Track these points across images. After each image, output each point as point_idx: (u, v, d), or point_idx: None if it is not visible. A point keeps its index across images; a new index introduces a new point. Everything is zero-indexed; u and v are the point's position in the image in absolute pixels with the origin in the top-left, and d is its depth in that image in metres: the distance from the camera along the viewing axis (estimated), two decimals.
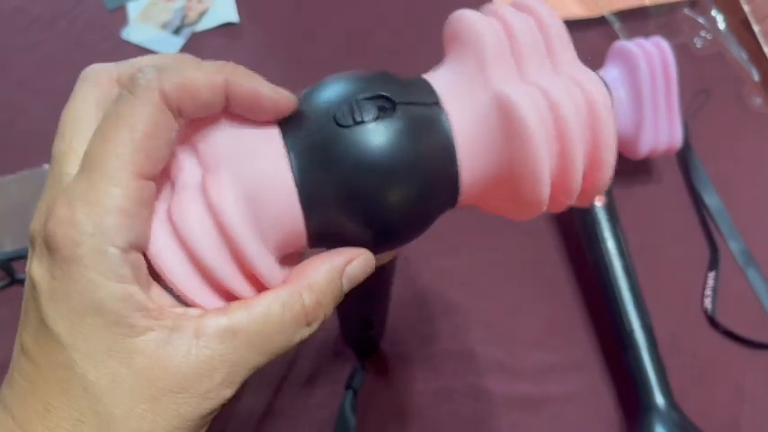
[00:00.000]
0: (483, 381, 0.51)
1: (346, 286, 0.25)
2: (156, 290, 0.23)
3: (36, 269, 0.22)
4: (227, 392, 0.23)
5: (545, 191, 0.25)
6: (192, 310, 0.23)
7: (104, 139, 0.22)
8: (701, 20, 0.67)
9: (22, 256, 0.52)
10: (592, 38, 0.67)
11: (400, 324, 0.52)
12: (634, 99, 0.54)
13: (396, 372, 0.51)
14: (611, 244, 0.51)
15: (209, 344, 0.22)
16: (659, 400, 0.46)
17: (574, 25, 0.67)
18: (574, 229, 0.54)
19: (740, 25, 0.68)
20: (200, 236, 0.23)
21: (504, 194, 0.27)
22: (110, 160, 0.22)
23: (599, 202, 0.52)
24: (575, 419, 0.50)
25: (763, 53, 0.64)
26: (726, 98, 0.64)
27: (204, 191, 0.23)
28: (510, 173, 0.25)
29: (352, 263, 0.25)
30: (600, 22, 0.67)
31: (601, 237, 0.51)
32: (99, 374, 0.21)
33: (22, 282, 0.52)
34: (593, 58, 0.60)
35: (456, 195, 0.27)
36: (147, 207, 0.22)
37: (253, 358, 0.23)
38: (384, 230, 0.25)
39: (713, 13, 0.68)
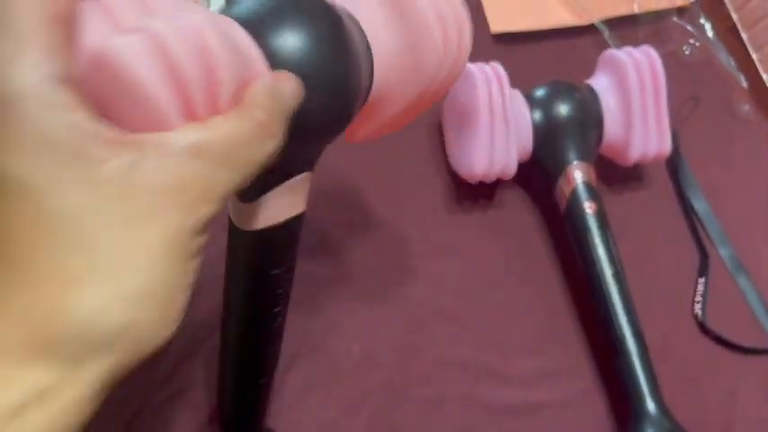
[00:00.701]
0: (475, 388, 0.51)
1: (285, 102, 0.25)
2: (104, 121, 0.22)
3: None
4: (207, 209, 0.23)
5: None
6: (148, 135, 0.22)
7: None
8: (689, 27, 0.68)
9: None
10: (581, 46, 0.68)
11: (391, 332, 0.53)
12: (623, 107, 0.54)
13: (386, 379, 0.51)
14: (601, 251, 0.51)
15: (177, 162, 0.22)
16: (650, 406, 0.47)
17: (564, 33, 0.68)
18: (565, 235, 0.54)
19: (728, 33, 0.69)
20: (182, 50, 0.22)
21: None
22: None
23: (590, 210, 0.52)
24: (567, 426, 0.50)
25: (751, 60, 0.65)
26: (714, 105, 0.65)
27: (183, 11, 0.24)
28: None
29: (283, 82, 0.25)
30: (590, 29, 0.68)
31: (591, 243, 0.51)
32: (72, 210, 0.21)
33: None
34: (582, 65, 0.60)
35: None
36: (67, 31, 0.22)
37: (224, 174, 0.23)
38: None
39: (702, 20, 0.69)
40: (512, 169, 0.54)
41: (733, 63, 0.67)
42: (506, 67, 0.54)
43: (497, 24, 0.67)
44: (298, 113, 0.26)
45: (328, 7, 0.28)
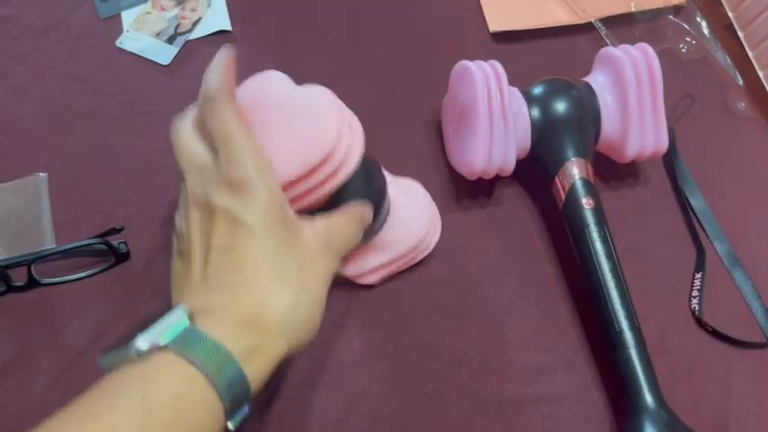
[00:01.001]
0: (474, 383, 0.51)
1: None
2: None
3: (223, 200, 0.37)
4: (336, 262, 0.42)
5: None
6: (306, 219, 0.41)
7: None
8: (686, 26, 0.68)
9: (18, 263, 0.52)
10: (579, 44, 0.68)
11: (391, 327, 0.53)
12: (620, 104, 0.55)
13: (385, 375, 0.52)
14: (599, 246, 0.52)
15: (321, 234, 0.41)
16: (648, 399, 0.47)
17: (561, 31, 0.68)
18: (563, 231, 0.55)
19: (724, 31, 0.69)
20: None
21: None
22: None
23: (588, 206, 0.53)
24: (565, 420, 0.51)
25: (747, 58, 0.66)
26: (711, 102, 0.66)
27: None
28: None
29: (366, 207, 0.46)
30: (587, 28, 0.68)
31: (589, 239, 0.52)
32: (284, 252, 0.38)
33: (17, 289, 0.53)
34: (580, 63, 0.61)
35: None
36: None
37: (343, 243, 0.43)
38: None
39: (698, 18, 0.69)
40: (510, 166, 0.54)
41: (729, 61, 0.68)
42: (505, 66, 0.54)
43: (496, 23, 0.68)
44: None
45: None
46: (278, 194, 0.39)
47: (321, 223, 0.41)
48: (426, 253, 0.55)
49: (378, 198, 0.49)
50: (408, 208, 0.54)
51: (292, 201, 0.43)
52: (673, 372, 0.52)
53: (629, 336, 0.49)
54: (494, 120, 0.52)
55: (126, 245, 0.55)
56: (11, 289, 0.53)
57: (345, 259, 0.50)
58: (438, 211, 0.57)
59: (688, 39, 0.68)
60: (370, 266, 0.53)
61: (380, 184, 0.50)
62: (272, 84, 0.46)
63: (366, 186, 0.47)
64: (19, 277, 0.53)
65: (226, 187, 0.37)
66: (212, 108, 0.39)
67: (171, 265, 0.41)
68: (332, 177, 0.44)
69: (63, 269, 0.54)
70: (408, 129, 0.63)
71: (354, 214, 0.44)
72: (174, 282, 0.40)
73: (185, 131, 0.41)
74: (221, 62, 0.41)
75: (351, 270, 0.53)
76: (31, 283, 0.53)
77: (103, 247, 0.53)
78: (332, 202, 0.45)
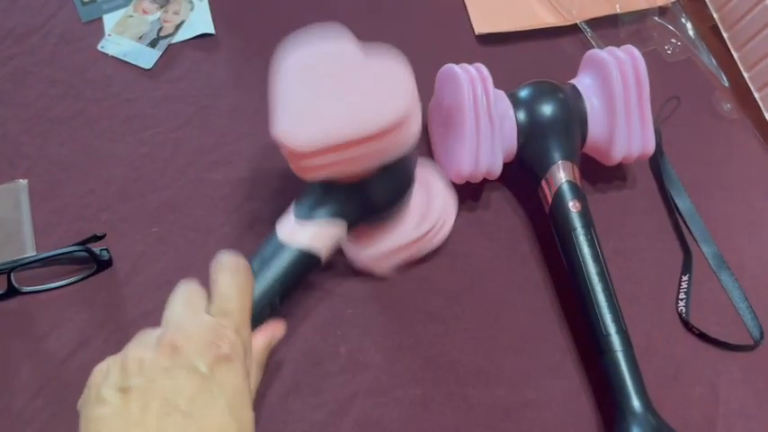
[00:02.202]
0: (461, 389, 0.51)
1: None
2: None
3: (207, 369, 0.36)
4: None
5: None
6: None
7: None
8: (671, 27, 0.68)
9: None
10: (565, 46, 0.68)
11: (378, 333, 0.53)
12: (607, 106, 0.55)
13: (373, 380, 0.51)
14: (586, 249, 0.51)
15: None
16: (636, 404, 0.47)
17: (547, 33, 0.68)
18: (549, 233, 0.54)
19: (710, 32, 0.69)
20: None
21: None
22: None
23: (574, 209, 0.52)
24: (553, 425, 0.50)
25: (732, 59, 0.66)
26: (696, 104, 0.66)
27: None
28: None
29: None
30: (573, 30, 0.68)
31: (576, 241, 0.52)
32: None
33: None
34: (566, 65, 0.61)
35: None
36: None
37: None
38: None
39: (683, 20, 0.69)
40: (497, 169, 0.54)
41: (714, 62, 0.68)
42: (490, 68, 0.54)
43: (481, 26, 0.68)
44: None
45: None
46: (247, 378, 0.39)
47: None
48: (442, 235, 0.55)
49: (410, 180, 0.50)
50: (424, 190, 0.54)
51: (347, 162, 0.42)
52: (660, 375, 0.52)
53: (615, 339, 0.49)
54: (480, 123, 0.52)
55: (108, 252, 0.54)
56: None
57: (356, 244, 0.51)
58: (453, 192, 0.56)
59: (673, 40, 0.68)
60: (383, 250, 0.52)
61: (414, 166, 0.50)
62: (342, 39, 0.45)
63: (410, 163, 0.48)
64: None
65: (215, 358, 0.37)
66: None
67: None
68: (398, 144, 0.42)
69: (44, 277, 0.53)
70: None
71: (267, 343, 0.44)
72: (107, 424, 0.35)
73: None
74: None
75: (364, 256, 0.52)
76: (11, 292, 0.52)
77: (85, 254, 0.53)
78: (381, 175, 0.45)
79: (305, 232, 0.46)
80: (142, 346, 0.37)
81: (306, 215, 0.46)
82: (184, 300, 0.41)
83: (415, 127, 0.44)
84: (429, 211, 0.54)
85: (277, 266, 0.45)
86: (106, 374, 0.36)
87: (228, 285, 0.41)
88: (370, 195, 0.48)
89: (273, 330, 0.44)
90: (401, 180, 0.49)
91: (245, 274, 0.42)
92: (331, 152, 0.42)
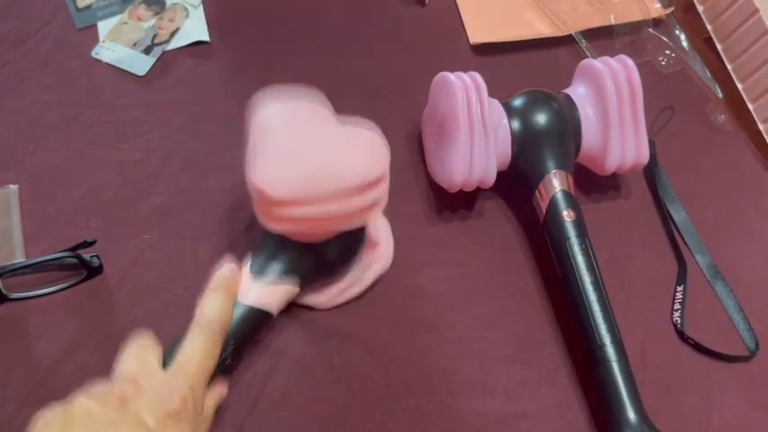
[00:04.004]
0: (455, 399, 0.51)
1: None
2: None
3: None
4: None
5: None
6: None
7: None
8: (665, 39, 0.68)
9: None
10: (560, 56, 0.68)
11: (371, 343, 0.52)
12: (601, 116, 0.54)
13: (366, 393, 0.51)
14: (580, 258, 0.51)
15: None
16: (631, 415, 0.46)
17: (542, 44, 0.68)
18: (543, 242, 0.54)
19: (703, 44, 0.69)
20: None
21: None
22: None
23: (568, 218, 0.52)
24: None
25: (726, 70, 0.66)
26: (690, 115, 0.66)
27: None
28: None
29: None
30: (567, 40, 0.68)
31: (570, 251, 0.51)
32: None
33: None
34: (561, 76, 0.61)
35: None
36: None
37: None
38: None
39: (677, 31, 0.69)
40: (491, 178, 0.54)
41: (708, 73, 0.68)
42: (485, 78, 0.54)
43: (476, 35, 0.68)
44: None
45: None
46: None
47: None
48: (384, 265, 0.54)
49: (364, 239, 0.51)
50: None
51: (316, 220, 0.43)
52: (655, 386, 0.51)
53: (610, 350, 0.48)
54: (474, 131, 0.52)
55: (98, 258, 0.53)
56: None
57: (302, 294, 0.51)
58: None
59: (667, 52, 0.68)
60: (328, 296, 0.53)
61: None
62: (317, 101, 0.46)
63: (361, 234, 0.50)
64: None
65: (165, 414, 0.37)
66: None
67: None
68: (370, 208, 0.44)
69: (33, 283, 0.53)
70: (388, 140, 0.61)
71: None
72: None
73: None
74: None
75: (309, 301, 0.53)
76: (0, 298, 0.51)
77: (75, 260, 0.52)
78: (338, 236, 0.47)
79: (256, 289, 0.46)
80: (90, 397, 0.36)
81: (259, 270, 0.47)
82: (138, 353, 0.40)
83: (385, 194, 0.45)
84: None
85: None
86: (49, 424, 0.35)
87: (196, 345, 0.41)
88: (325, 255, 0.49)
89: (221, 389, 0.45)
90: (357, 242, 0.50)
91: (216, 337, 0.42)
92: (305, 204, 0.42)
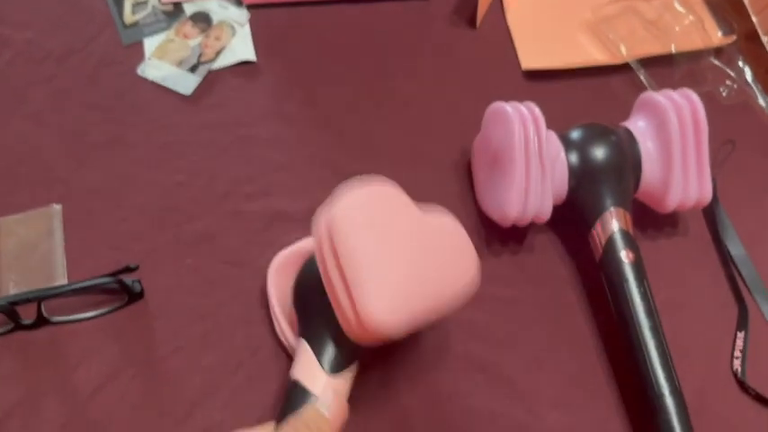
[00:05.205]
0: None
1: None
2: None
3: None
4: None
5: None
6: None
7: None
8: (727, 69, 0.66)
9: (27, 300, 0.50)
10: (614, 84, 0.66)
11: (418, 380, 0.50)
12: (663, 152, 0.52)
13: (412, 428, 0.49)
14: (638, 302, 0.49)
15: None
16: None
17: (596, 71, 0.66)
18: (598, 282, 0.52)
19: (766, 75, 0.67)
20: None
21: None
22: None
23: (626, 259, 0.50)
24: None
25: None
26: (752, 149, 0.63)
27: None
28: None
29: None
30: (624, 68, 0.66)
31: (628, 294, 0.49)
32: None
33: (25, 327, 0.51)
34: (616, 105, 0.59)
35: None
36: None
37: None
38: None
39: (739, 62, 0.67)
40: (546, 214, 0.52)
41: None
42: (537, 105, 0.52)
43: (528, 61, 0.66)
44: None
45: None
46: None
47: None
48: None
49: None
50: None
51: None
52: None
53: (669, 401, 0.46)
54: (530, 166, 0.50)
55: (140, 283, 0.52)
56: (19, 327, 0.51)
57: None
58: None
59: (729, 82, 0.65)
60: None
61: None
62: (400, 200, 0.42)
63: None
64: (28, 314, 0.50)
65: None
66: None
67: None
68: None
69: (74, 307, 0.52)
70: (436, 168, 0.60)
71: None
72: None
73: None
74: None
75: None
76: (41, 321, 0.51)
77: (117, 285, 0.51)
78: None
79: (333, 384, 0.43)
80: None
81: (336, 369, 0.43)
82: None
83: None
84: None
85: None
86: None
87: None
88: None
89: None
90: None
91: None
92: (410, 330, 0.41)
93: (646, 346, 0.48)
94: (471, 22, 0.69)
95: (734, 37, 0.67)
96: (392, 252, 0.40)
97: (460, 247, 0.41)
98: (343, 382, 0.43)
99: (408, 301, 0.39)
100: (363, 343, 0.42)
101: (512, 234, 0.56)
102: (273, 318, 0.51)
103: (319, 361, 0.43)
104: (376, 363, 0.51)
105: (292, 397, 0.43)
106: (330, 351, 0.43)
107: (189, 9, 0.67)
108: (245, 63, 0.65)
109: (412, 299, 0.39)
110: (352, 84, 0.65)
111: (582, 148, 0.52)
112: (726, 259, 0.57)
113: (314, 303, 0.44)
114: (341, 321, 0.41)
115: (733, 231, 0.58)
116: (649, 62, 0.66)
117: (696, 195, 0.53)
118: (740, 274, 0.56)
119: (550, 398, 0.51)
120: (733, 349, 0.53)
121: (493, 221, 0.54)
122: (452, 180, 0.60)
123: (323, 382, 0.42)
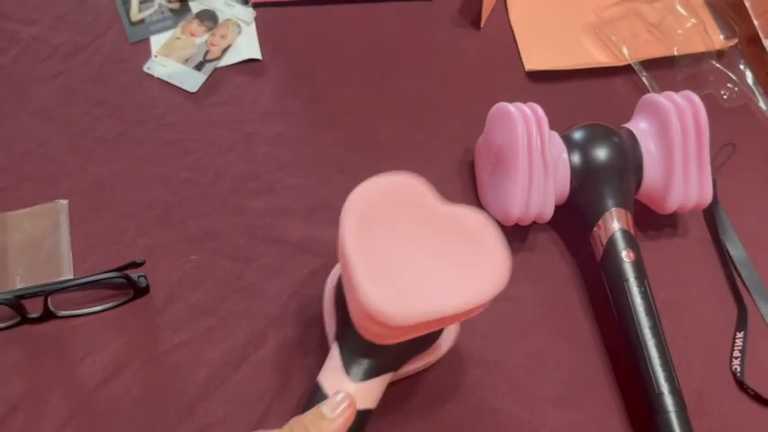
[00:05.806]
0: None
1: None
2: None
3: None
4: None
5: None
6: None
7: None
8: (728, 72, 0.66)
9: (33, 294, 0.51)
10: (617, 86, 0.67)
11: (420, 377, 0.51)
12: (664, 154, 0.53)
13: (412, 426, 0.49)
14: (639, 301, 0.50)
15: None
16: None
17: (598, 73, 0.66)
18: (599, 281, 0.52)
19: (767, 78, 0.67)
20: None
21: None
22: None
23: (627, 258, 0.50)
24: None
25: None
26: (752, 152, 0.64)
27: None
28: None
29: None
30: (626, 70, 0.67)
31: (629, 293, 0.50)
32: None
33: (32, 321, 0.51)
34: (618, 106, 0.59)
35: None
36: None
37: None
38: None
39: (741, 65, 0.67)
40: (548, 214, 0.52)
41: None
42: (540, 106, 0.53)
43: (532, 62, 0.66)
44: None
45: None
46: None
47: None
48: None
49: None
50: None
51: (428, 328, 0.41)
52: None
53: (669, 399, 0.47)
54: (533, 166, 0.50)
55: (146, 278, 0.53)
56: (25, 320, 0.51)
57: None
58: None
59: (730, 85, 0.66)
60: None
61: None
62: (425, 196, 0.41)
63: None
64: (34, 308, 0.51)
65: None
66: None
67: None
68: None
69: (80, 301, 0.52)
70: (439, 167, 0.61)
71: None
72: None
73: None
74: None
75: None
76: (47, 315, 0.51)
77: (122, 280, 0.52)
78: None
79: (358, 392, 0.42)
80: None
81: (360, 377, 0.43)
82: None
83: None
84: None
85: None
86: None
87: None
88: (419, 345, 0.46)
89: None
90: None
91: None
92: (424, 327, 0.39)
93: (645, 345, 0.48)
94: (475, 22, 0.69)
95: (735, 40, 0.68)
96: (399, 240, 0.39)
97: (487, 247, 0.40)
98: (367, 390, 0.43)
99: (415, 296, 0.38)
100: (376, 338, 0.41)
101: (514, 233, 0.57)
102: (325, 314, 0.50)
103: (344, 365, 0.43)
104: None
105: (311, 398, 0.43)
106: (355, 356, 0.43)
107: (195, 7, 0.68)
108: (251, 61, 0.65)
109: (419, 294, 0.38)
110: (357, 82, 0.65)
111: (584, 148, 0.53)
112: (725, 260, 0.57)
113: (344, 305, 0.44)
114: (351, 314, 0.41)
115: (733, 233, 0.59)
116: (651, 64, 0.66)
117: (696, 197, 0.53)
118: (740, 275, 0.57)
119: (551, 395, 0.51)
120: (732, 349, 0.54)
121: (495, 221, 0.55)
122: (455, 179, 0.60)
123: (341, 387, 0.42)
